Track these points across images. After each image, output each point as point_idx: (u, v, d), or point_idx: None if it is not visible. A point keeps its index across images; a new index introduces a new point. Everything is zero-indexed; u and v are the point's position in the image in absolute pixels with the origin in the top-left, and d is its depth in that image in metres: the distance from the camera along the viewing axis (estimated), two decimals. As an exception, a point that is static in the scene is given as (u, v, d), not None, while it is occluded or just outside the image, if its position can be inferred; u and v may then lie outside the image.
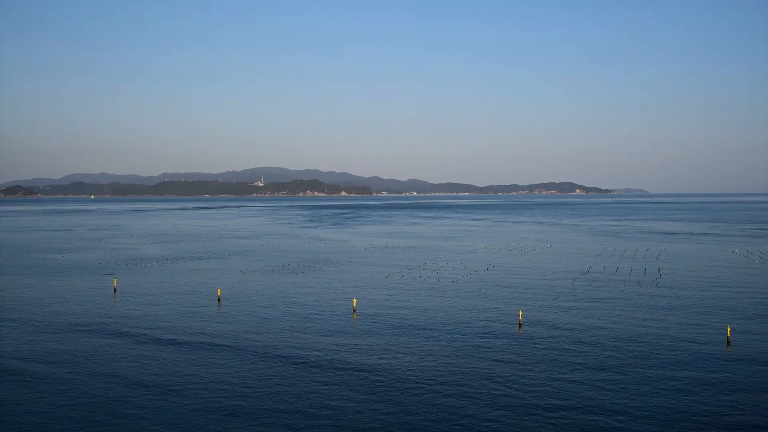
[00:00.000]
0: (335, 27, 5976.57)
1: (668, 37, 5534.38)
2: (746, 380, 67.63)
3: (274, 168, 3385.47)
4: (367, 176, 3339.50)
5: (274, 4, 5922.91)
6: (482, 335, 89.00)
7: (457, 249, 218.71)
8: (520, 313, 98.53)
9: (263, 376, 70.76)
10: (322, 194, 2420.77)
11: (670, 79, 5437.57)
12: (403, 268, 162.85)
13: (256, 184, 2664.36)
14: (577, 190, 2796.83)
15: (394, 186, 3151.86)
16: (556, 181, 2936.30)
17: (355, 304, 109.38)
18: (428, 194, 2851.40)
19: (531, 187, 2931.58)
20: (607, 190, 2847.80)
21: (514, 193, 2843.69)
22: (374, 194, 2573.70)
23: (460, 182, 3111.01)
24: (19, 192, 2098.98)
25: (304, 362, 76.19)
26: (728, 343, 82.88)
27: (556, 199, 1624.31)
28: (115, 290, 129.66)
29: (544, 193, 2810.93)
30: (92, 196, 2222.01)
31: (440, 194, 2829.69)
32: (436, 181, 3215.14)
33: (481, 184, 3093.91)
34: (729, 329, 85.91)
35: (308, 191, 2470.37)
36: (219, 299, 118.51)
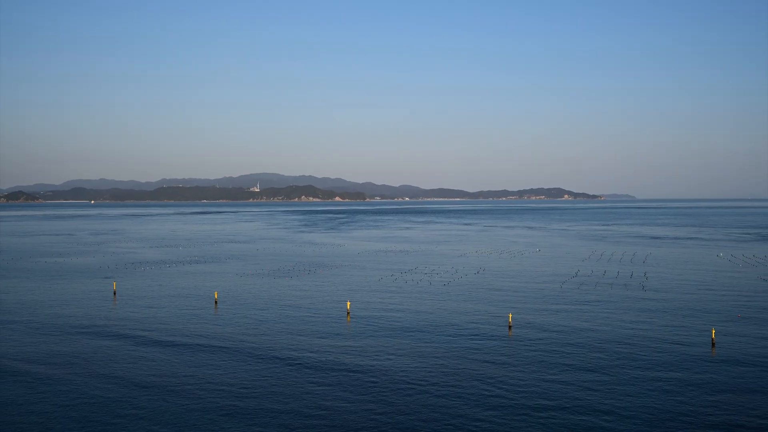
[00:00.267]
0: (329, 36, 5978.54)
1: (654, 45, 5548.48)
2: (730, 381, 67.75)
3: (270, 174, 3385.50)
4: (360, 182, 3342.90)
5: (270, 13, 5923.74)
6: (473, 337, 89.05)
7: (448, 253, 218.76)
8: (510, 315, 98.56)
9: (259, 377, 70.74)
10: (317, 199, 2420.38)
11: (656, 86, 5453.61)
12: (396, 272, 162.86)
13: (252, 189, 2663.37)
14: (566, 196, 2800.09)
15: (387, 191, 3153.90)
16: (545, 187, 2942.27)
17: (348, 307, 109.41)
18: (420, 199, 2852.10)
19: (520, 193, 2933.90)
20: (594, 196, 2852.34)
21: (504, 199, 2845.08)
22: (367, 199, 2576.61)
23: (451, 188, 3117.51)
24: (21, 197, 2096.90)
25: (299, 363, 76.18)
26: (713, 345, 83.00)
27: (545, 204, 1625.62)
28: (114, 293, 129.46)
29: (533, 198, 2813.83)
30: (92, 202, 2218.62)
31: (432, 199, 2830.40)
32: (427, 187, 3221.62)
33: (472, 190, 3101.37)
34: (714, 331, 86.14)
35: (303, 197, 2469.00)
36: (216, 302, 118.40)
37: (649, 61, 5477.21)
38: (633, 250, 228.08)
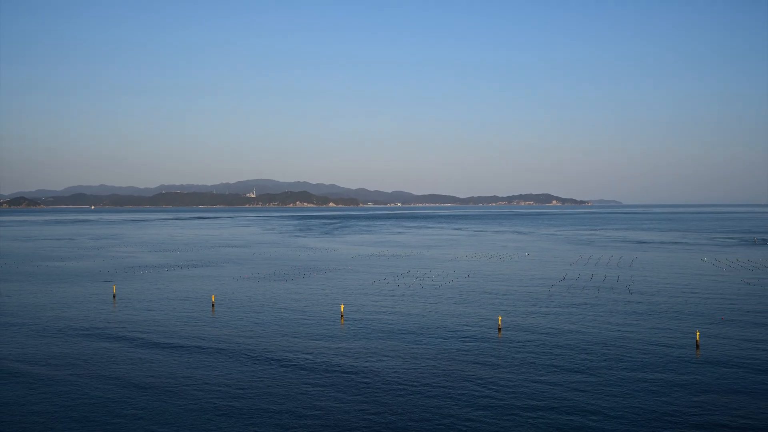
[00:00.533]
0: (324, 46, 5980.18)
1: (639, 55, 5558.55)
2: (714, 382, 67.85)
3: (266, 180, 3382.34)
4: (353, 188, 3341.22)
5: (267, 25, 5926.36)
6: (463, 339, 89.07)
7: (439, 257, 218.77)
8: (500, 318, 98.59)
9: (255, 378, 70.67)
10: (311, 205, 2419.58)
11: (641, 95, 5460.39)
12: (388, 276, 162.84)
13: (248, 195, 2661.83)
14: (554, 201, 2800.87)
15: (380, 197, 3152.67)
16: (534, 193, 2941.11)
17: (342, 310, 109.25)
18: (412, 205, 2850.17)
19: (510, 198, 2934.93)
20: (582, 201, 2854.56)
21: (494, 204, 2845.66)
22: (361, 205, 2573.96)
23: (442, 193, 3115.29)
24: (23, 203, 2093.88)
25: (294, 365, 76.14)
26: (697, 346, 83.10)
27: (533, 209, 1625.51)
28: (114, 296, 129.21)
29: (522, 203, 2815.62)
30: (92, 207, 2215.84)
31: (423, 205, 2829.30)
32: (419, 193, 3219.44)
33: (463, 195, 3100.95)
34: (698, 333, 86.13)
35: (298, 202, 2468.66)
36: (213, 305, 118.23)
37: (634, 70, 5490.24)
38: (619, 254, 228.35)
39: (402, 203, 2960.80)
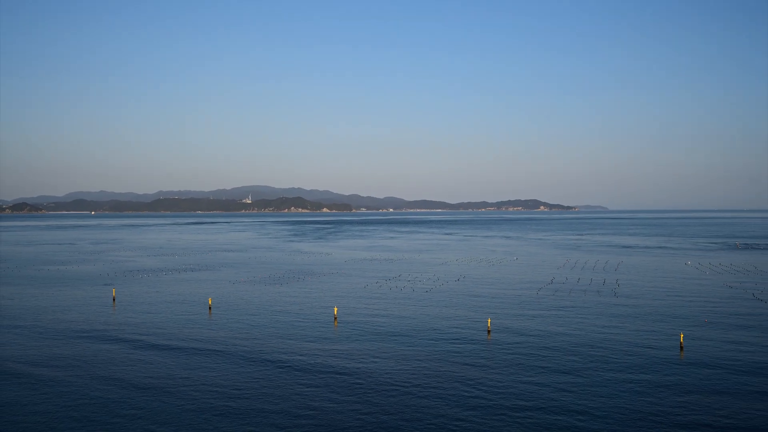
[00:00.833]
0: (318, 56, 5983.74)
1: (622, 65, 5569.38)
2: (698, 383, 67.96)
3: (261, 186, 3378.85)
4: (347, 194, 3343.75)
5: (263, 35, 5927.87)
6: (454, 341, 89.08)
7: (430, 261, 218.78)
8: (489, 320, 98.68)
9: (251, 378, 70.60)
10: (306, 210, 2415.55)
11: (626, 103, 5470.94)
12: (381, 279, 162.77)
13: (244, 201, 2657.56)
14: (542, 207, 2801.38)
15: (372, 203, 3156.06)
16: (522, 199, 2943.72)
17: (336, 312, 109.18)
18: (404, 210, 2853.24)
19: (499, 204, 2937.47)
20: (569, 207, 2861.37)
21: (484, 210, 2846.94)
22: (354, 210, 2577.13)
23: (433, 199, 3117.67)
24: (24, 208, 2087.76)
25: (289, 366, 76.07)
26: (681, 348, 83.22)
27: (522, 215, 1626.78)
28: (113, 299, 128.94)
29: (511, 209, 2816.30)
30: (93, 213, 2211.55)
31: (415, 210, 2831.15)
32: (411, 198, 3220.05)
33: (453, 201, 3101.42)
34: (682, 335, 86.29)
35: (293, 208, 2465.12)
36: (210, 308, 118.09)
37: (619, 80, 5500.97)
38: (605, 258, 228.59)
39: (394, 209, 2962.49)
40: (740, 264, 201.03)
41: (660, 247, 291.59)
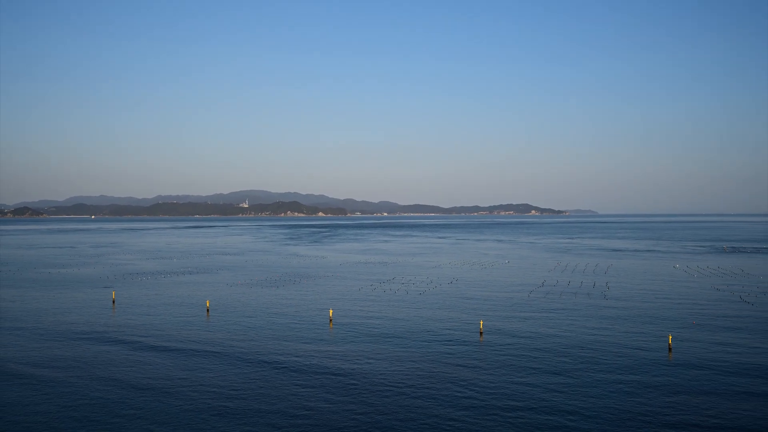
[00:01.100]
0: (313, 64, 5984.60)
1: (612, 72, 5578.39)
2: (686, 383, 68.01)
3: (258, 191, 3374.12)
4: (342, 198, 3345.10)
5: (259, 42, 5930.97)
6: (446, 343, 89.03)
7: (423, 264, 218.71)
8: (481, 322, 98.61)
9: (248, 379, 70.51)
10: (302, 215, 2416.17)
11: (615, 110, 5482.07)
12: (375, 282, 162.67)
13: (241, 205, 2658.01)
14: (533, 211, 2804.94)
15: (367, 207, 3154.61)
16: (514, 203, 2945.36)
17: (331, 314, 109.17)
18: (398, 214, 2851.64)
19: (491, 208, 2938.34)
20: (559, 211, 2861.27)
21: (476, 214, 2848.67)
22: (348, 214, 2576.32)
23: (426, 203, 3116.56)
24: (26, 213, 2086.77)
25: (285, 367, 75.98)
26: (670, 349, 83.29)
27: (513, 219, 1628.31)
28: (113, 302, 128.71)
29: (502, 213, 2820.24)
30: (93, 216, 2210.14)
31: (408, 214, 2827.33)
32: (404, 203, 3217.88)
33: (446, 206, 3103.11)
34: (670, 337, 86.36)
35: (289, 212, 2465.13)
36: (208, 310, 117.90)
37: (608, 87, 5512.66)
38: (595, 261, 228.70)
39: (388, 213, 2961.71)
40: (727, 267, 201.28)
41: (648, 251, 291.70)
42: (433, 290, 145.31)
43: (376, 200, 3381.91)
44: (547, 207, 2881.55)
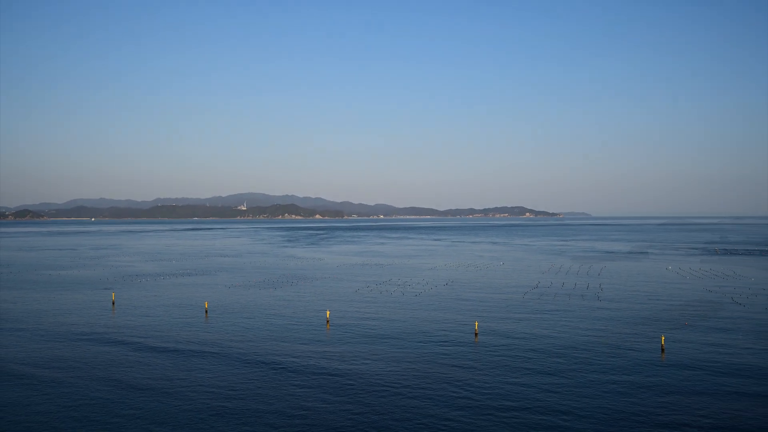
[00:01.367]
0: (311, 67, 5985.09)
1: (605, 77, 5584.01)
2: (679, 384, 68.15)
3: (256, 194, 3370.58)
4: (339, 201, 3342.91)
5: (258, 48, 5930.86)
6: (442, 343, 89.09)
7: (419, 266, 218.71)
8: (476, 323, 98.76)
9: (246, 380, 70.52)
10: (299, 217, 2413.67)
11: (606, 113, 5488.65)
12: (372, 284, 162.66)
13: (239, 208, 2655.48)
14: (527, 214, 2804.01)
15: (363, 210, 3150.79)
16: (509, 205, 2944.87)
17: (328, 316, 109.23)
18: (394, 217, 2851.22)
19: (486, 211, 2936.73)
20: (553, 213, 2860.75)
21: (471, 216, 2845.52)
22: (345, 217, 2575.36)
23: (422, 206, 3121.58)
24: (27, 215, 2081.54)
25: (283, 368, 76.00)
26: (662, 350, 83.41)
27: (508, 221, 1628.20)
28: (113, 303, 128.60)
29: (497, 215, 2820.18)
30: (93, 219, 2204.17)
31: (405, 217, 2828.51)
32: (400, 205, 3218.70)
33: (441, 208, 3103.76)
34: (663, 338, 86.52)
35: (286, 214, 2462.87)
36: (206, 311, 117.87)
37: (601, 92, 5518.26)
38: (589, 263, 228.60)
39: (384, 215, 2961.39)
40: (719, 269, 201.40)
41: (641, 253, 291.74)
42: (429, 292, 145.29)
43: (372, 203, 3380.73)
44: (541, 209, 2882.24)
